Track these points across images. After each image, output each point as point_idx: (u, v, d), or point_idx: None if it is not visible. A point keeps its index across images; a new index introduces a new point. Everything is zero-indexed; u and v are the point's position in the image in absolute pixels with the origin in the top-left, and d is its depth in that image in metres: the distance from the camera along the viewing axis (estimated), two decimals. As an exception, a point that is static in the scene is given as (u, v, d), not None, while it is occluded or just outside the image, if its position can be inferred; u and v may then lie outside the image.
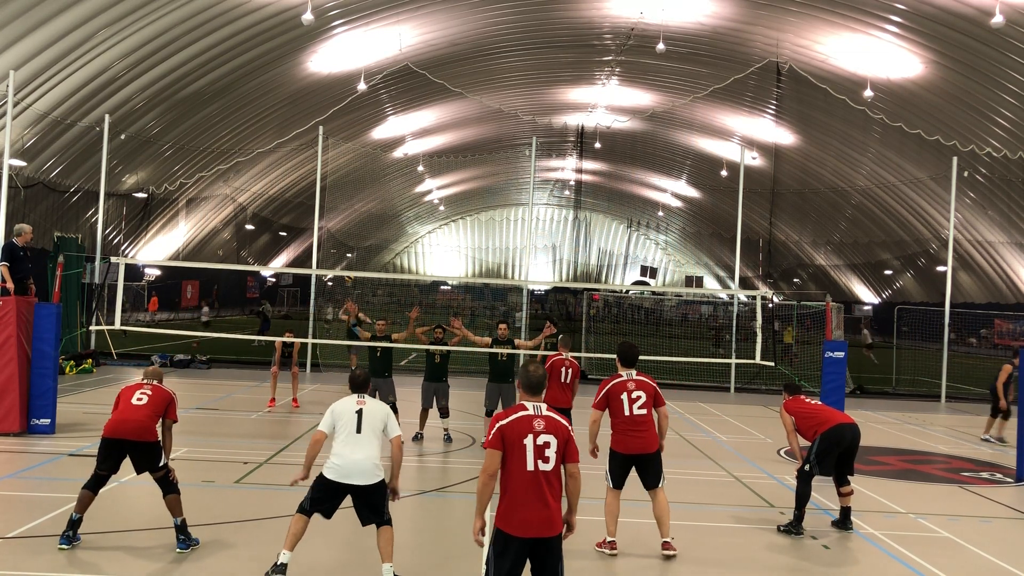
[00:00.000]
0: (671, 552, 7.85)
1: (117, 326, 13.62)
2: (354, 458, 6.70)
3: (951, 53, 28.93)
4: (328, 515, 6.90)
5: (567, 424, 5.46)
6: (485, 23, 31.88)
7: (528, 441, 5.27)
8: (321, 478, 6.80)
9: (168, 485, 7.54)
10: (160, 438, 7.66)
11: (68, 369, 19.53)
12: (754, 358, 14.15)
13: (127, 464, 7.59)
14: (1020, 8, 24.34)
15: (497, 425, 5.37)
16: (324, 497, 6.78)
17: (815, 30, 30.13)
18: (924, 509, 10.26)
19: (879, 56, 30.21)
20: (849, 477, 9.21)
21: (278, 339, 16.81)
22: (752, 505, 10.20)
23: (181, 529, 7.47)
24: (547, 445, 5.29)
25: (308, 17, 23.86)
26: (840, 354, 12.74)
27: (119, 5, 22.69)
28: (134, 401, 7.59)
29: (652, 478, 8.03)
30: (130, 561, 7.19)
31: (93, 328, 20.27)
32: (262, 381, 19.60)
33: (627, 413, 7.94)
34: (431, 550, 7.90)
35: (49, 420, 12.47)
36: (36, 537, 7.60)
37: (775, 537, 8.83)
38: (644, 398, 7.99)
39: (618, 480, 8.08)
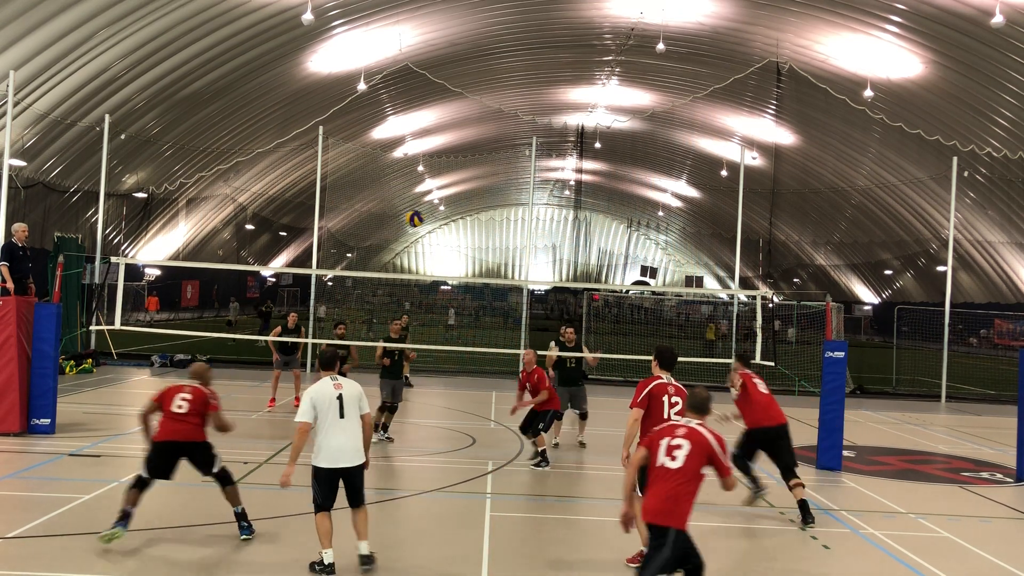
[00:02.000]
0: None
1: (117, 326, 13.60)
2: (340, 441, 7.01)
3: (951, 53, 28.93)
4: (329, 508, 7.13)
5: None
6: (485, 23, 31.88)
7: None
8: (317, 471, 7.03)
9: (223, 479, 7.85)
10: (207, 438, 7.95)
11: (68, 369, 19.51)
12: (754, 358, 14.13)
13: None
14: (1020, 8, 24.35)
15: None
16: (328, 490, 7.03)
17: (815, 30, 30.13)
18: (924, 509, 10.26)
19: (879, 56, 30.22)
20: (796, 470, 9.54)
21: (275, 339, 16.77)
22: (752, 505, 10.17)
23: (242, 516, 7.84)
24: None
25: (308, 17, 23.87)
26: (840, 354, 12.69)
27: (119, 5, 22.70)
28: (175, 409, 7.82)
29: None
30: (130, 561, 7.18)
31: (93, 328, 20.24)
32: (262, 381, 19.58)
33: (665, 417, 7.60)
34: (431, 550, 7.89)
35: (49, 420, 12.45)
36: (36, 537, 7.60)
37: (774, 537, 8.84)
38: (680, 406, 7.67)
39: None
